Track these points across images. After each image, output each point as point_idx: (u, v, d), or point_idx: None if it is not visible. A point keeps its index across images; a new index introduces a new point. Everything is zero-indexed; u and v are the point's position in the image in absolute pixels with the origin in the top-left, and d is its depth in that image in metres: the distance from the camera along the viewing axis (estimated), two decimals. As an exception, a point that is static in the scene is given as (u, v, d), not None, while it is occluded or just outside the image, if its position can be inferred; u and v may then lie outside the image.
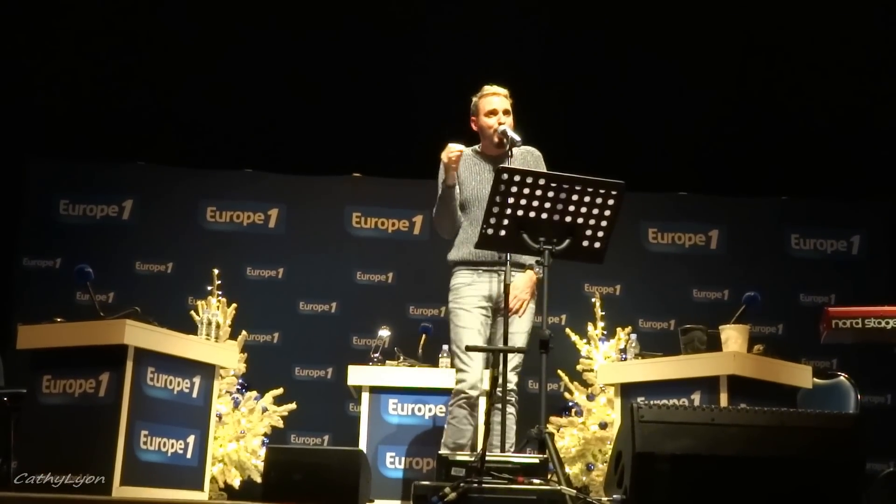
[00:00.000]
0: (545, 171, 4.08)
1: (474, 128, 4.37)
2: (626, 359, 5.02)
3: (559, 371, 5.85)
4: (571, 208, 3.67)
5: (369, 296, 7.29)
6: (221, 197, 7.43)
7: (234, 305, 5.56)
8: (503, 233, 3.69)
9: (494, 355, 3.93)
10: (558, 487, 3.10)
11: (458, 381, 4.20)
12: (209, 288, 5.62)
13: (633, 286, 7.41)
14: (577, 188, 3.65)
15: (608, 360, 5.65)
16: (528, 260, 4.18)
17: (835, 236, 7.56)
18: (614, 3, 7.13)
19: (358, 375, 5.41)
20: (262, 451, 5.29)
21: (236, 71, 7.18)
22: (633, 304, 7.22)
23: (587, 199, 3.66)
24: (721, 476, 2.98)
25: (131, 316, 4.16)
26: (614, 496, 3.09)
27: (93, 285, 4.38)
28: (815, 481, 3.01)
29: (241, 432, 5.42)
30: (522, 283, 4.16)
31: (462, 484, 3.02)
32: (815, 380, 4.56)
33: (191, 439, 4.44)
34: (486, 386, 4.41)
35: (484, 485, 3.03)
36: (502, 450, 3.99)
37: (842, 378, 4.70)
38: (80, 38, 7.03)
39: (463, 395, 4.17)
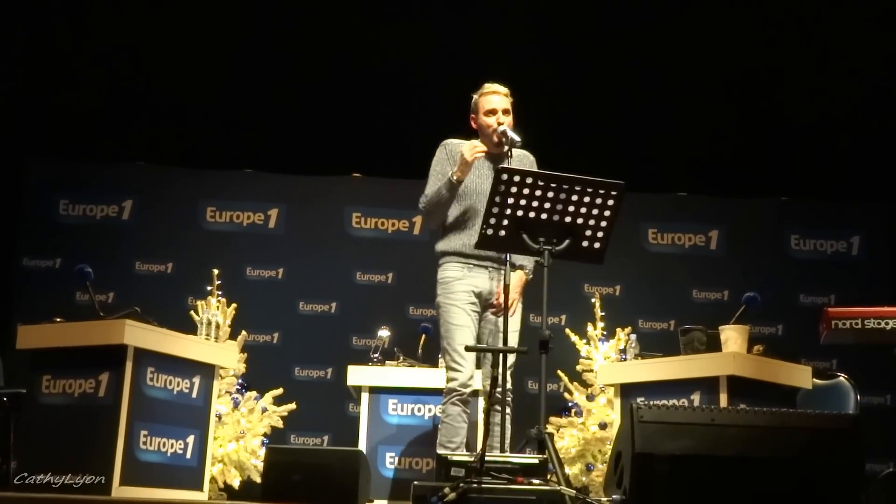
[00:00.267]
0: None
1: (473, 125, 4.37)
2: (625, 359, 5.02)
3: (559, 371, 5.85)
4: (571, 209, 3.67)
5: (369, 296, 7.29)
6: (221, 197, 7.42)
7: (233, 305, 5.56)
8: (503, 233, 3.69)
9: (493, 355, 3.94)
10: (558, 488, 3.10)
11: (450, 380, 4.20)
12: (209, 288, 5.62)
13: (633, 286, 7.40)
14: (577, 188, 3.65)
15: (608, 360, 5.66)
16: (519, 260, 4.19)
17: (835, 237, 7.56)
18: (614, 3, 7.13)
19: (358, 376, 5.41)
20: (262, 452, 5.29)
21: (236, 71, 7.18)
22: (633, 304, 7.21)
23: (587, 199, 3.66)
24: (721, 476, 2.98)
25: (131, 316, 4.16)
26: (614, 496, 3.09)
27: (92, 285, 4.39)
28: (814, 481, 3.01)
29: (241, 432, 5.42)
30: (514, 282, 4.17)
31: (461, 484, 3.01)
32: (815, 380, 4.56)
33: (190, 439, 4.44)
34: (477, 384, 4.43)
35: (483, 485, 3.03)
36: (501, 450, 3.99)
37: (841, 378, 4.69)
38: (80, 38, 7.03)
39: (456, 393, 4.18)
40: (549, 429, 4.13)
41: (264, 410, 5.56)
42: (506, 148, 4.11)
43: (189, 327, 4.81)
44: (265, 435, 5.54)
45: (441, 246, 4.34)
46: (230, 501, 5.08)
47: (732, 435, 2.98)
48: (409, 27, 7.09)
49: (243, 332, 5.61)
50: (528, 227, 3.67)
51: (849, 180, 7.31)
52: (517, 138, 4.10)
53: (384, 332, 5.62)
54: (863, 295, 6.02)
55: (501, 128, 4.18)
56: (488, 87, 4.33)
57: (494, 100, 4.28)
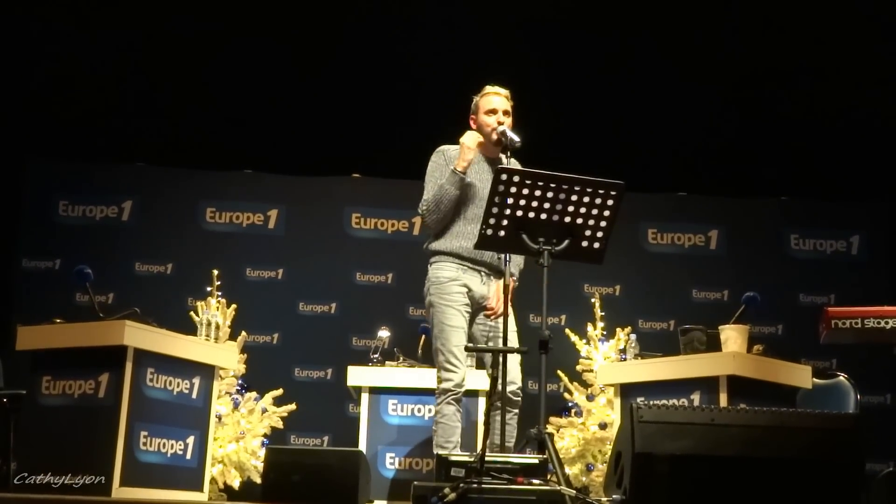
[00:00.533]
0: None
1: (473, 126, 4.37)
2: (625, 359, 5.02)
3: (559, 371, 5.86)
4: (571, 209, 3.67)
5: (369, 296, 7.30)
6: (221, 198, 7.43)
7: (233, 306, 5.56)
8: (502, 233, 3.68)
9: (494, 355, 3.94)
10: (558, 488, 3.10)
11: (445, 380, 4.18)
12: (209, 289, 5.62)
13: (633, 287, 7.41)
14: (577, 188, 3.64)
15: (608, 360, 5.66)
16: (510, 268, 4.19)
17: (834, 237, 7.56)
18: (614, 3, 7.13)
19: (357, 376, 5.41)
20: (262, 452, 5.29)
21: (236, 71, 7.18)
22: (633, 304, 7.22)
23: (586, 199, 3.66)
24: (721, 476, 2.98)
25: (131, 317, 4.16)
26: (614, 496, 3.09)
27: (92, 286, 4.38)
28: (814, 481, 3.00)
29: (241, 433, 5.42)
30: (503, 288, 4.17)
31: (461, 484, 3.01)
32: (815, 380, 4.56)
33: (190, 440, 4.44)
34: (478, 384, 4.43)
35: (483, 485, 3.03)
36: (501, 449, 3.99)
37: (841, 378, 4.69)
38: (80, 39, 7.03)
39: (451, 394, 4.17)
40: (549, 429, 4.13)
41: (264, 411, 5.56)
42: (505, 150, 4.12)
43: (189, 328, 4.80)
44: (265, 435, 5.54)
45: (435, 245, 4.32)
46: (230, 502, 5.08)
47: (732, 435, 2.98)
48: (409, 27, 7.08)
49: (243, 333, 5.61)
50: (528, 227, 3.67)
51: (849, 180, 7.31)
52: (516, 139, 4.10)
53: (384, 333, 5.62)
54: (863, 294, 6.01)
55: (501, 128, 4.18)
56: (489, 88, 4.34)
57: (495, 100, 4.29)
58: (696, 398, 4.23)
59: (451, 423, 4.17)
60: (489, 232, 3.69)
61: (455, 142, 4.35)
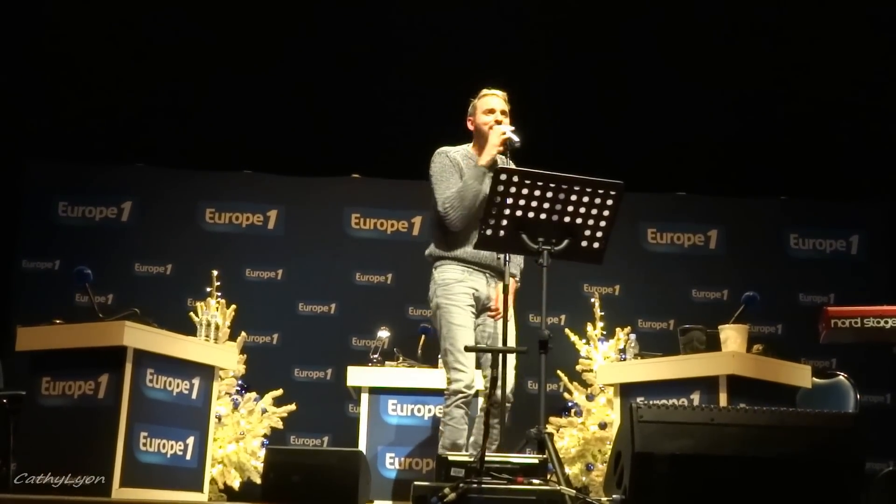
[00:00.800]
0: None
1: (470, 127, 4.38)
2: (625, 359, 5.02)
3: (558, 371, 5.86)
4: (570, 209, 3.67)
5: (368, 297, 7.29)
6: (220, 198, 7.43)
7: (233, 307, 5.56)
8: (502, 233, 3.69)
9: (493, 356, 3.93)
10: (558, 488, 3.10)
11: (454, 381, 4.16)
12: (208, 289, 5.62)
13: (633, 286, 7.41)
14: (576, 188, 3.64)
15: (607, 360, 5.66)
16: (511, 268, 4.18)
17: (834, 236, 7.56)
18: (614, 3, 7.13)
19: (357, 376, 5.41)
20: (262, 453, 5.29)
21: (235, 71, 7.18)
22: (633, 304, 7.22)
23: (586, 199, 3.66)
24: (720, 476, 2.98)
25: (130, 317, 4.16)
26: (614, 496, 3.09)
27: (92, 287, 4.38)
28: (814, 481, 3.00)
29: (241, 433, 5.42)
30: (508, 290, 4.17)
31: (461, 484, 3.02)
32: (815, 379, 4.56)
33: (190, 440, 4.44)
34: (478, 384, 4.43)
35: (483, 485, 3.03)
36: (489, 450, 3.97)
37: (841, 378, 4.70)
38: (80, 39, 7.03)
39: (461, 395, 4.16)
40: (549, 429, 4.13)
41: (264, 411, 5.56)
42: (505, 155, 4.12)
43: (188, 328, 4.80)
44: (265, 436, 5.54)
45: (439, 250, 4.32)
46: (230, 503, 5.08)
47: (732, 434, 2.98)
48: (408, 27, 7.09)
49: (243, 333, 5.60)
50: (527, 227, 3.67)
51: (848, 179, 7.31)
52: (516, 139, 4.10)
53: (384, 333, 5.62)
54: (862, 294, 6.02)
55: (502, 127, 4.18)
56: (486, 90, 4.35)
57: (493, 101, 4.31)
58: (695, 398, 4.23)
59: (460, 426, 4.16)
60: (489, 232, 3.69)
61: (456, 142, 4.35)
